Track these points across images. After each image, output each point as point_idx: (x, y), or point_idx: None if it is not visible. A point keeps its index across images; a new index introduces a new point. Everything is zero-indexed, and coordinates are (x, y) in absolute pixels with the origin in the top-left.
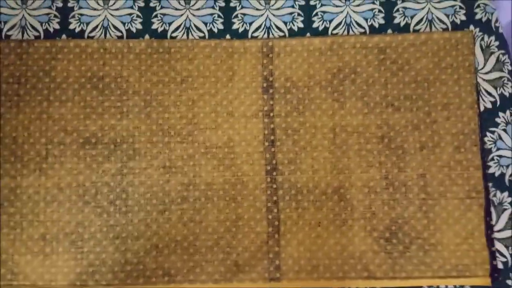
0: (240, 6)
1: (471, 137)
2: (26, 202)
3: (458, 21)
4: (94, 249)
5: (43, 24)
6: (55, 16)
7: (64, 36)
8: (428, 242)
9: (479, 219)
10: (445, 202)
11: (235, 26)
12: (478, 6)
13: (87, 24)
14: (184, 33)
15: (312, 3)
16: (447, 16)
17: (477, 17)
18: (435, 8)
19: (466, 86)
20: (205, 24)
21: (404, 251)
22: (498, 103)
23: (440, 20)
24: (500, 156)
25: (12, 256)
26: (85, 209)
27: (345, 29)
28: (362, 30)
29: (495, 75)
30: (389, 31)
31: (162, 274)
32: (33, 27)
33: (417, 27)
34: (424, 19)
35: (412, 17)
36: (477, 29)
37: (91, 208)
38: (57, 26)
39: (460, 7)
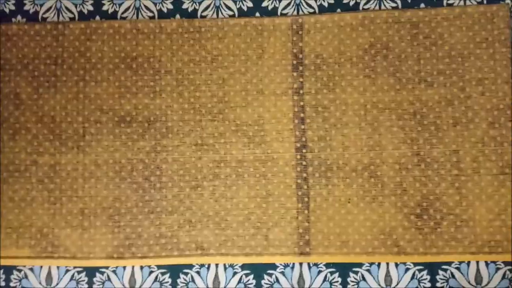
0: None
1: (506, 112)
2: (65, 179)
3: None
4: (130, 223)
5: (78, 6)
6: None
7: (98, 18)
8: (460, 218)
9: None
10: (478, 178)
11: (264, 4)
12: None
13: (120, 5)
14: (214, 12)
15: None
16: None
17: None
18: None
19: (502, 60)
20: (235, 2)
21: (435, 227)
22: None
23: None
24: None
25: (53, 230)
26: (122, 185)
27: (376, 4)
28: (394, 5)
29: None
30: (422, 5)
31: (195, 247)
32: (68, 9)
33: (451, 1)
34: None
35: None
36: None
37: (127, 184)
38: (91, 8)
39: None
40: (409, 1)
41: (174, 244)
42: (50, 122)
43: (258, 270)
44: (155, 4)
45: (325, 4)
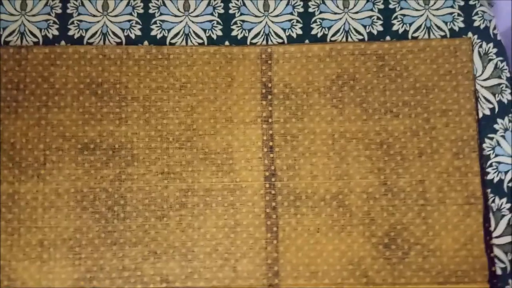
0: (239, 13)
1: (470, 143)
2: (24, 208)
3: (456, 28)
4: (91, 255)
5: (42, 30)
6: (54, 22)
7: (63, 42)
8: (427, 248)
9: (477, 225)
10: (444, 208)
11: (234, 33)
12: (476, 13)
13: (86, 30)
14: (183, 39)
15: (310, 10)
16: (446, 23)
17: (475, 24)
18: (433, 15)
19: (465, 92)
20: (204, 30)
21: (403, 257)
22: (497, 109)
23: (439, 27)
24: (499, 162)
25: (10, 262)
26: (83, 215)
27: (343, 36)
28: (361, 37)
29: (493, 82)
30: (388, 38)
31: (160, 280)
32: (32, 33)
33: (416, 34)
34: (423, 26)
35: (410, 24)
36: (475, 36)
37: (89, 214)
38: (56, 32)
39: (459, 14)
40: (375, 33)
41: (137, 277)
42: (10, 149)
43: None
44: (123, 30)
45: (294, 35)
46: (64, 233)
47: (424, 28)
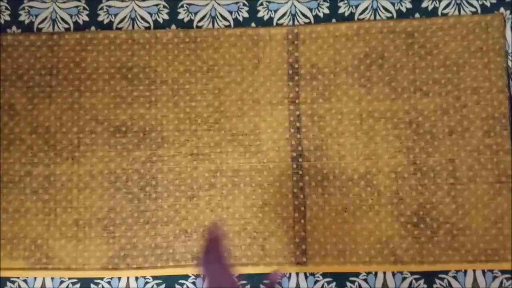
0: None
1: (501, 121)
2: (59, 189)
3: (488, 4)
4: (125, 234)
5: (73, 16)
6: (84, 8)
7: (93, 28)
8: (456, 227)
9: (508, 203)
10: (474, 187)
11: (260, 14)
12: None
13: (115, 15)
14: (210, 22)
15: None
16: None
17: None
18: None
19: (497, 69)
20: (231, 12)
21: (432, 236)
22: None
23: (469, 3)
24: None
25: (47, 241)
26: (117, 195)
27: (371, 14)
28: (389, 15)
29: None
30: (417, 15)
31: (191, 258)
32: (63, 20)
33: (446, 11)
34: (453, 2)
35: (440, 1)
36: (508, 12)
37: (122, 195)
38: (86, 18)
39: None
40: (404, 11)
41: (169, 254)
42: (45, 132)
43: (255, 280)
44: (150, 14)
45: (320, 15)
46: (98, 213)
47: (454, 5)
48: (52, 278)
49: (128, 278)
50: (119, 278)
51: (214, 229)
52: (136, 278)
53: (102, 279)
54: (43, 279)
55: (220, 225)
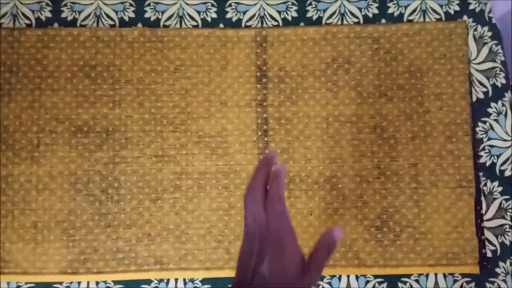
0: None
1: (463, 127)
2: (17, 191)
3: (451, 11)
4: (85, 237)
5: (35, 12)
6: (47, 4)
7: (56, 25)
8: (418, 231)
9: (469, 208)
10: (436, 191)
11: (228, 15)
12: None
13: (80, 12)
14: (177, 22)
15: None
16: (441, 6)
17: (471, 7)
18: None
19: (459, 76)
20: (199, 13)
21: (395, 239)
22: (490, 93)
23: (434, 10)
24: (491, 146)
25: (4, 244)
26: (77, 197)
27: (339, 19)
28: (356, 20)
29: (487, 65)
30: (383, 21)
31: (154, 262)
32: (24, 16)
33: (411, 17)
34: (418, 9)
35: (406, 7)
36: (471, 20)
37: (83, 197)
38: (49, 15)
39: None
40: (371, 16)
41: (131, 258)
42: (3, 131)
43: (219, 285)
44: (116, 12)
45: (289, 18)
46: (58, 215)
47: (419, 11)
48: (8, 283)
49: (88, 282)
50: (79, 283)
51: (268, 160)
52: (97, 283)
53: (61, 283)
54: None
55: (275, 155)
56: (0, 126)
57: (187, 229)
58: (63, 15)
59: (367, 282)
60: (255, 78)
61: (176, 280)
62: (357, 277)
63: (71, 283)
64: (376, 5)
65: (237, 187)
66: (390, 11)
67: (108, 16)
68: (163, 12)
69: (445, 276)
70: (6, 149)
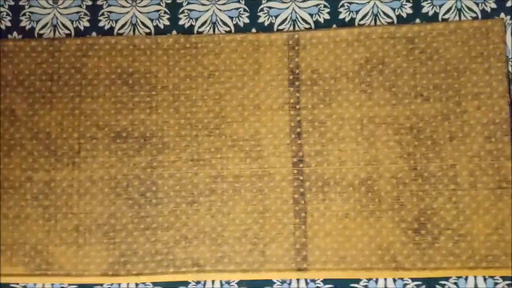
0: None
1: (502, 126)
2: (60, 195)
3: (488, 9)
4: (125, 239)
5: (74, 22)
6: (85, 14)
7: (94, 34)
8: (457, 233)
9: (509, 209)
10: (475, 193)
11: (260, 20)
12: None
13: (116, 21)
14: (210, 28)
15: None
16: (477, 4)
17: (508, 4)
18: None
19: (497, 75)
20: (231, 18)
21: (433, 242)
22: None
23: (470, 9)
24: None
25: (47, 247)
26: (117, 201)
27: (372, 20)
28: (390, 20)
29: None
30: (417, 20)
31: (191, 264)
32: (64, 26)
33: (446, 16)
34: (453, 7)
35: (440, 6)
36: (508, 17)
37: (123, 200)
38: (87, 24)
39: None
40: (405, 16)
41: (169, 260)
42: (45, 138)
43: (255, 287)
44: (151, 20)
45: (321, 20)
46: (98, 219)
47: (454, 10)
48: (52, 284)
49: (128, 284)
50: (119, 285)
51: None
52: (136, 285)
53: (101, 285)
54: (43, 285)
55: None
56: (42, 133)
57: (223, 231)
58: (101, 24)
59: (405, 285)
60: (288, 81)
61: (212, 282)
62: (394, 280)
63: (111, 285)
64: (410, 4)
65: (272, 189)
66: (424, 10)
67: (143, 24)
68: (196, 19)
69: (485, 278)
70: (49, 155)
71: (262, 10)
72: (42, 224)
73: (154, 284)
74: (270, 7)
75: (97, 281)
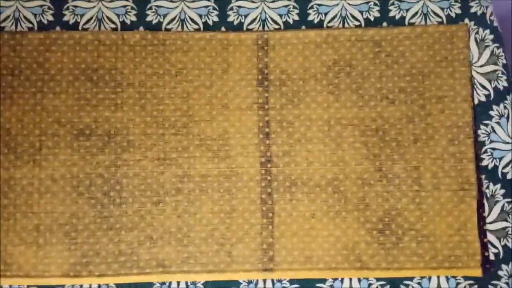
0: None
1: (465, 129)
2: (19, 194)
3: (453, 15)
4: (87, 240)
5: (37, 16)
6: (49, 8)
7: (58, 28)
8: (420, 234)
9: (471, 210)
10: (438, 194)
11: (230, 19)
12: None
13: (81, 16)
14: (178, 25)
15: None
16: (442, 9)
17: (472, 10)
18: (430, 1)
19: (461, 79)
20: (200, 16)
21: (397, 242)
22: (492, 96)
23: (435, 14)
24: (494, 149)
25: (6, 247)
26: (79, 200)
27: (340, 22)
28: (358, 23)
29: (489, 68)
30: (384, 24)
31: (156, 265)
32: (26, 19)
33: (412, 20)
34: (419, 12)
35: (407, 10)
36: (472, 23)
37: (85, 200)
38: (51, 18)
39: (455, 0)
40: (372, 19)
41: (133, 261)
42: (5, 135)
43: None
44: (118, 15)
45: (290, 21)
46: (60, 218)
47: (421, 14)
48: (10, 286)
49: (90, 285)
50: (81, 286)
51: None
52: (99, 286)
53: (63, 286)
54: (1, 286)
55: None
56: (1, 129)
57: (189, 232)
58: (65, 18)
59: (370, 285)
60: (256, 81)
61: (178, 283)
62: (359, 280)
63: (73, 286)
64: (378, 8)
65: (239, 190)
66: (391, 14)
67: (110, 19)
68: (164, 16)
69: (447, 279)
70: (8, 152)
71: (231, 9)
72: (0, 223)
73: (118, 285)
74: (239, 6)
75: (58, 282)
